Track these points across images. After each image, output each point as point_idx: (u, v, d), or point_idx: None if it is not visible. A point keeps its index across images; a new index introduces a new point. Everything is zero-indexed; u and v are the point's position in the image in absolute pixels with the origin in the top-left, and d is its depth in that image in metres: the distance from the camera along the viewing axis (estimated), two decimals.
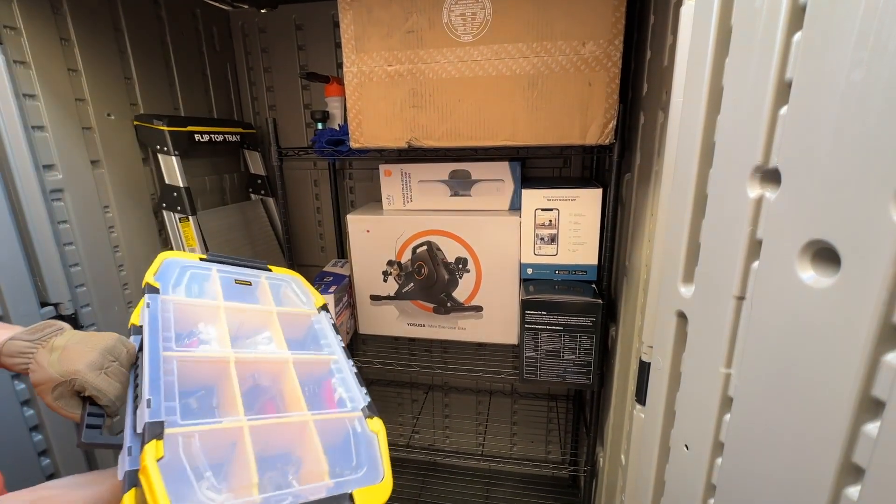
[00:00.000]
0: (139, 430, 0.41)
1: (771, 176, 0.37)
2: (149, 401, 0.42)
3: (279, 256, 1.39)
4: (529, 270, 1.05)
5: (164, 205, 1.04)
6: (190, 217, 1.03)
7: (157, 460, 0.38)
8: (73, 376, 0.43)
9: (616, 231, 0.96)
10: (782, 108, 0.36)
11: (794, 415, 0.34)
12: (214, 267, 0.64)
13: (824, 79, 0.31)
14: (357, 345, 1.42)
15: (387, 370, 1.50)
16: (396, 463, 1.57)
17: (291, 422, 0.50)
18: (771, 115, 0.37)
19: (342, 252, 1.43)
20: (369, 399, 0.58)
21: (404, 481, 1.49)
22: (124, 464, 0.40)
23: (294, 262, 1.49)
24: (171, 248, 1.08)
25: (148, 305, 0.52)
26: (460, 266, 1.16)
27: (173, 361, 0.48)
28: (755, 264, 0.40)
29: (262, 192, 1.35)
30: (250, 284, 0.66)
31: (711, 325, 0.45)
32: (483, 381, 1.47)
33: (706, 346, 0.47)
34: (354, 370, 0.62)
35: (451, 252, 1.15)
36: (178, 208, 1.02)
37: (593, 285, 1.00)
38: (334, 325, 0.67)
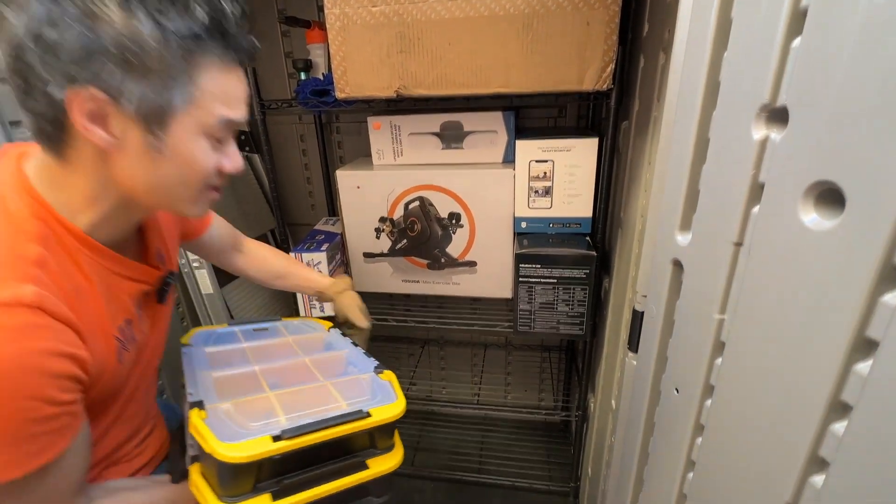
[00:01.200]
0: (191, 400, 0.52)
1: (778, 115, 0.36)
2: (190, 394, 0.53)
3: (268, 216, 1.36)
4: (523, 224, 1.04)
5: None
6: None
7: (202, 419, 0.48)
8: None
9: (612, 182, 0.95)
10: (795, 39, 0.34)
11: (786, 356, 0.35)
12: (236, 327, 0.76)
13: (844, 4, 0.29)
14: None
15: (382, 325, 1.53)
16: None
17: (313, 387, 0.58)
18: (782, 48, 0.34)
19: (333, 210, 1.40)
20: (377, 363, 0.67)
21: (403, 430, 1.55)
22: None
23: (284, 221, 1.46)
24: None
25: (184, 354, 0.63)
26: (453, 221, 1.15)
27: (210, 377, 0.58)
28: (755, 209, 0.39)
29: (247, 148, 1.30)
30: (267, 329, 0.77)
31: (707, 272, 0.45)
32: (478, 335, 1.50)
33: (701, 292, 0.47)
34: (362, 352, 0.71)
35: (443, 207, 1.13)
36: None
37: (587, 238, 1.00)
38: (344, 335, 0.78)
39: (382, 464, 0.55)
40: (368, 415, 0.52)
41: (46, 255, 0.40)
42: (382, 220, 1.18)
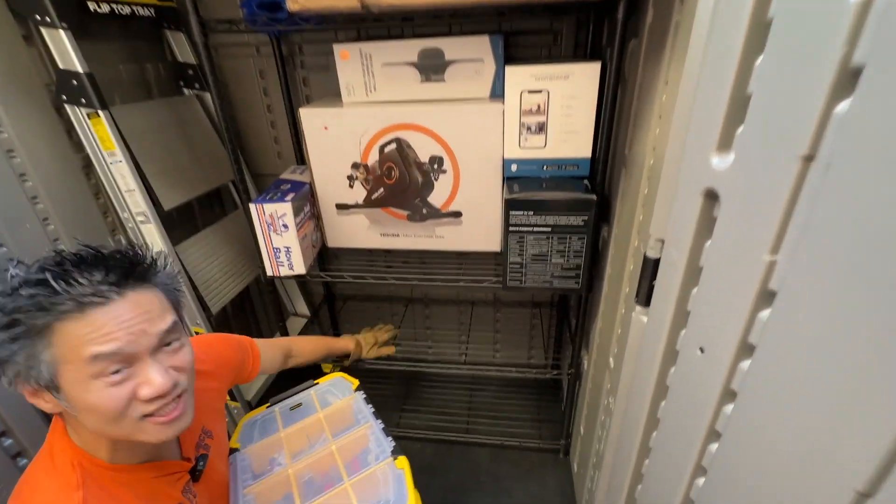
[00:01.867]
0: None
1: None
2: None
3: (227, 165, 1.21)
4: (514, 167, 0.92)
5: (64, 97, 0.83)
6: (100, 112, 0.83)
7: None
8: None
9: (615, 116, 0.82)
10: None
11: (870, 307, 0.25)
12: (276, 407, 0.82)
13: None
14: (328, 260, 1.31)
15: (362, 284, 1.42)
16: (380, 374, 1.56)
17: (336, 494, 0.65)
18: None
19: (302, 158, 1.26)
20: (394, 444, 0.73)
21: (388, 390, 1.50)
22: None
23: (247, 171, 1.32)
24: (85, 153, 0.90)
25: (231, 463, 0.70)
26: (435, 166, 1.02)
27: (250, 495, 0.65)
28: (843, 105, 0.28)
29: (197, 85, 1.13)
30: (301, 405, 0.82)
31: (756, 199, 0.35)
32: (464, 292, 1.42)
33: (745, 228, 0.36)
34: (381, 425, 0.77)
35: (423, 150, 1.00)
36: (83, 101, 0.83)
37: (585, 181, 0.88)
38: (366, 399, 0.84)
39: None
40: None
41: (86, 495, 0.45)
42: (355, 166, 1.05)
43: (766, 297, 0.35)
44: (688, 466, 0.47)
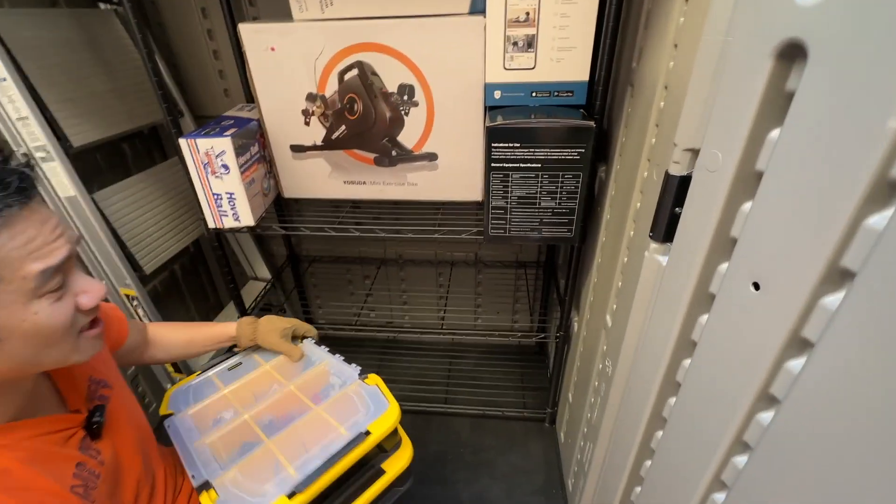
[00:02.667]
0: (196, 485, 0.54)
1: None
2: (192, 476, 0.56)
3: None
4: (497, 94, 0.78)
5: None
6: None
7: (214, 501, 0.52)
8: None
9: (619, 27, 0.68)
10: None
11: None
12: (211, 371, 0.75)
13: None
14: (288, 213, 1.15)
15: (325, 240, 1.28)
16: (350, 343, 1.43)
17: (307, 419, 0.62)
18: None
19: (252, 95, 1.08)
20: (359, 369, 0.71)
21: (360, 360, 1.38)
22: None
23: (191, 112, 1.14)
24: None
25: (168, 427, 0.64)
26: (405, 97, 0.87)
27: (204, 446, 0.60)
28: None
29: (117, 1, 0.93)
30: (241, 364, 0.76)
31: (881, 28, 0.22)
32: (443, 251, 1.29)
33: (852, 83, 0.23)
34: (341, 358, 0.74)
35: (391, 77, 0.84)
36: None
37: (581, 112, 0.75)
38: (316, 342, 0.78)
39: (397, 463, 0.63)
40: (369, 433, 0.59)
41: None
42: (311, 97, 0.88)
43: (885, 190, 0.23)
44: (723, 442, 0.36)
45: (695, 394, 0.40)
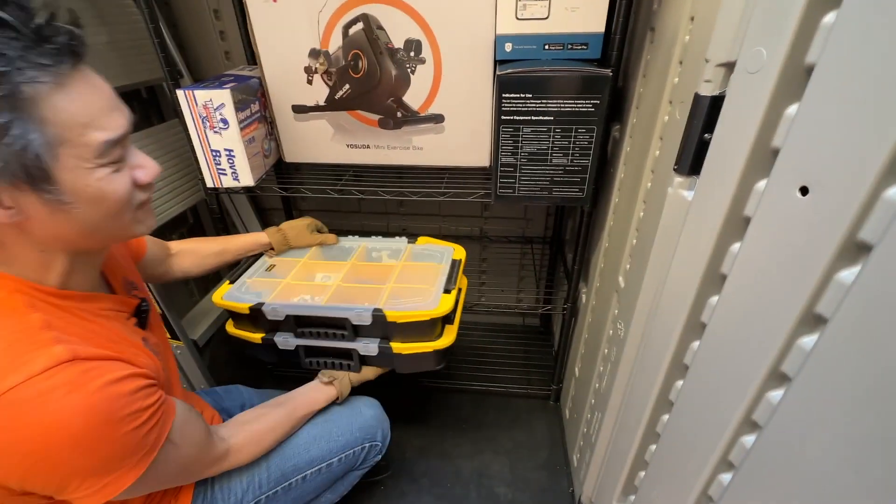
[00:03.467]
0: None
1: None
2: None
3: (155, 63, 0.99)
4: (508, 47, 0.74)
5: None
6: None
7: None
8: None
9: None
10: None
11: None
12: (246, 277, 0.84)
13: None
14: (288, 180, 1.12)
15: (325, 203, 1.25)
16: None
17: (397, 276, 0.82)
18: None
19: (255, 57, 1.05)
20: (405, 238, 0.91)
21: None
22: None
23: (190, 74, 1.10)
24: None
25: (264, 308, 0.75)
26: (412, 53, 0.83)
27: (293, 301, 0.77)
28: None
29: None
30: (276, 265, 0.86)
31: None
32: (448, 225, 1.25)
33: None
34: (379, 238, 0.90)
35: (397, 31, 0.81)
36: None
37: (596, 66, 0.71)
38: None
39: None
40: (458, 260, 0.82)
41: (47, 317, 0.41)
42: (314, 53, 0.85)
43: None
44: (753, 382, 0.33)
45: (723, 330, 0.37)
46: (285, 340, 0.76)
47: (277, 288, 0.79)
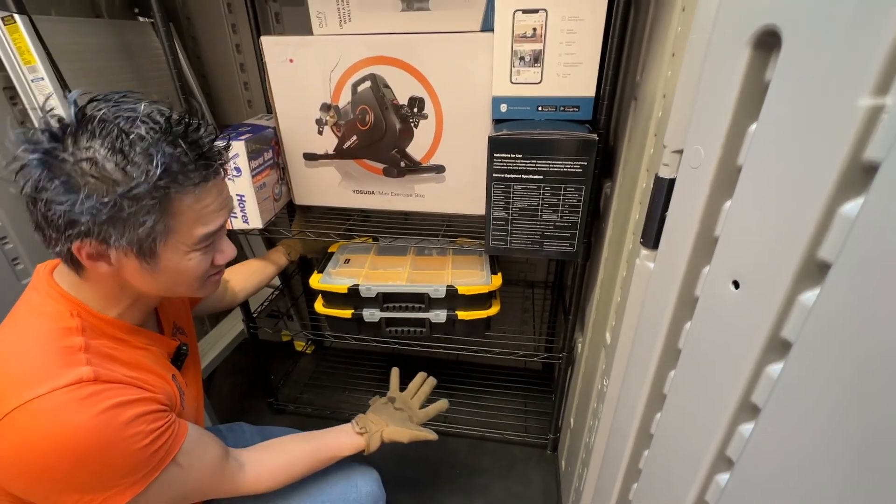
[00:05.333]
0: None
1: None
2: None
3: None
4: (503, 107, 0.79)
5: None
6: (16, 17, 0.71)
7: None
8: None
9: (625, 42, 0.68)
10: None
11: None
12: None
13: None
14: (300, 217, 1.18)
15: (325, 243, 1.29)
16: (354, 354, 1.42)
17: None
18: None
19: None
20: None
21: (363, 373, 1.37)
22: None
23: (215, 119, 1.19)
24: (5, 72, 0.77)
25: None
26: (415, 109, 0.89)
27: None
28: None
29: (137, 11, 1.00)
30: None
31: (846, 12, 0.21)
32: None
33: (824, 65, 0.23)
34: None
35: (402, 90, 0.87)
36: None
37: (587, 126, 0.75)
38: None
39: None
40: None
41: (88, 341, 0.47)
42: (325, 107, 0.91)
43: (859, 174, 0.22)
44: (704, 457, 0.33)
45: (678, 407, 0.38)
46: (371, 314, 0.95)
47: (361, 274, 0.96)
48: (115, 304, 0.51)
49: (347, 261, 1.02)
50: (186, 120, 0.45)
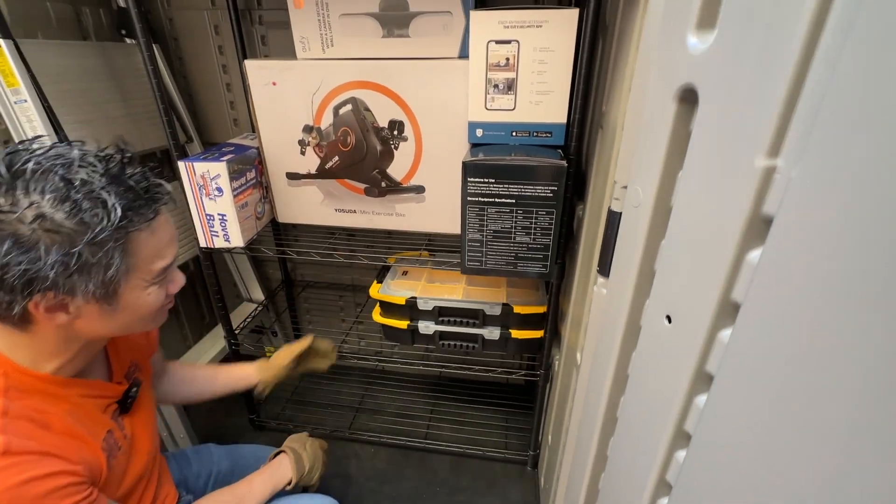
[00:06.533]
0: None
1: None
2: None
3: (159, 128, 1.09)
4: (479, 132, 0.81)
5: None
6: (1, 41, 0.72)
7: None
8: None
9: (593, 72, 0.71)
10: None
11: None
12: None
13: None
14: (285, 238, 1.19)
15: (318, 267, 1.31)
16: (337, 370, 1.42)
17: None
18: None
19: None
20: None
21: (345, 388, 1.37)
22: None
23: (200, 138, 1.21)
24: None
25: None
26: (395, 132, 0.91)
27: None
28: None
29: (124, 32, 1.02)
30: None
31: (749, 78, 0.23)
32: None
33: (730, 128, 0.25)
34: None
35: (382, 113, 0.89)
36: None
37: (559, 151, 0.77)
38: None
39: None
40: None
41: (9, 403, 0.44)
42: (307, 129, 0.93)
43: (760, 226, 0.24)
44: (648, 482, 0.35)
45: (628, 431, 0.39)
46: (427, 326, 0.96)
47: (419, 287, 0.97)
48: (54, 357, 0.49)
49: (405, 273, 1.03)
50: (119, 157, 0.45)
